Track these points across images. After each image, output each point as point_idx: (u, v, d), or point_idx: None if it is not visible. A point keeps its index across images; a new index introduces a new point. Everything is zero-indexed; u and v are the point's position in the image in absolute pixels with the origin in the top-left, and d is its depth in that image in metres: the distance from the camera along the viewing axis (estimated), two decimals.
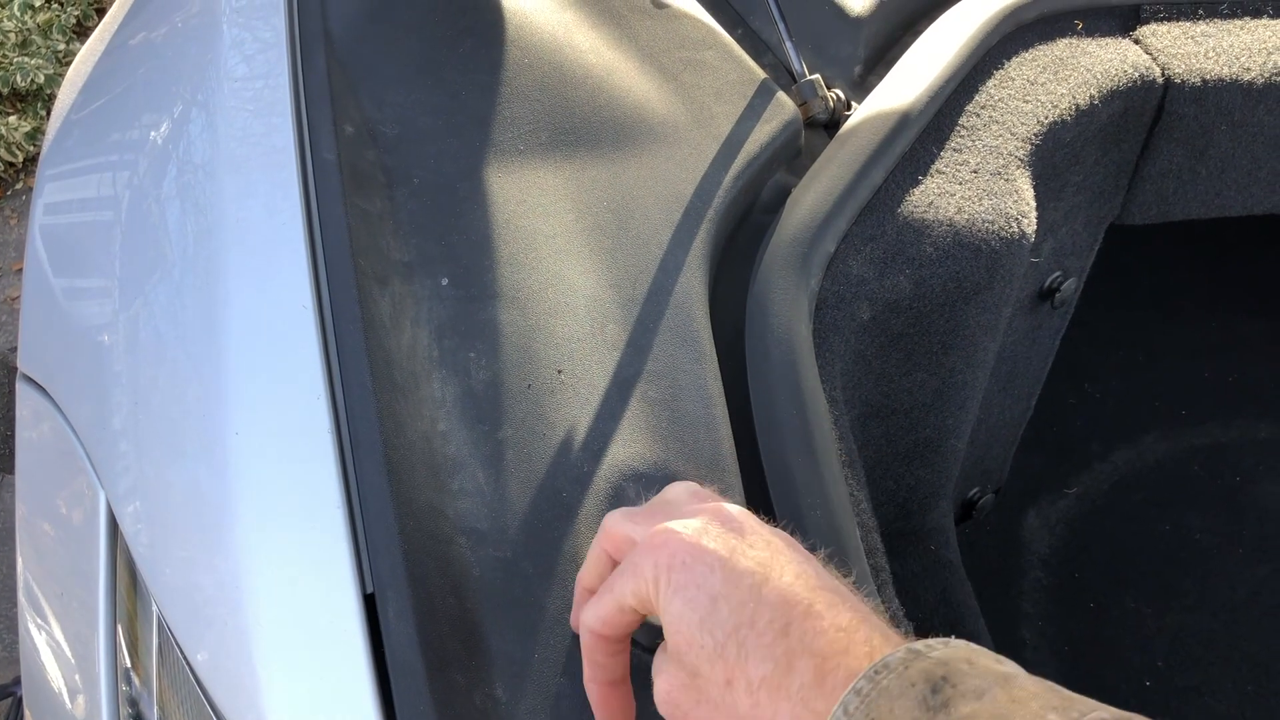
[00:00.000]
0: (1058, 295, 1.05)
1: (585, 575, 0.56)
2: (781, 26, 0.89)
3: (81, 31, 3.15)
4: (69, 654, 0.70)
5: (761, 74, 0.88)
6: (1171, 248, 1.49)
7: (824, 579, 0.46)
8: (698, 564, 0.47)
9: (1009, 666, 0.41)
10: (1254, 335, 1.50)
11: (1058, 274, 1.05)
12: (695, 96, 0.86)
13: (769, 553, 0.47)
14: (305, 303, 0.67)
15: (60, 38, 3.00)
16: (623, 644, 0.54)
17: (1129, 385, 1.47)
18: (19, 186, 2.88)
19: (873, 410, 0.89)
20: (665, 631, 0.48)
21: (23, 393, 0.79)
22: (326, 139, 0.76)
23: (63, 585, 0.71)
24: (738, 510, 0.51)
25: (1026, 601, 1.26)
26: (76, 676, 0.68)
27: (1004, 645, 1.13)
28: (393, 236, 0.75)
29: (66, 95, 0.97)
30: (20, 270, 2.67)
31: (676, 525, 0.49)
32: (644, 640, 0.58)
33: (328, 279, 0.69)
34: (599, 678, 0.54)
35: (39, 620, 0.74)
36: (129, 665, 0.67)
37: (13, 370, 0.91)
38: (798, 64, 0.89)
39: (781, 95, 0.87)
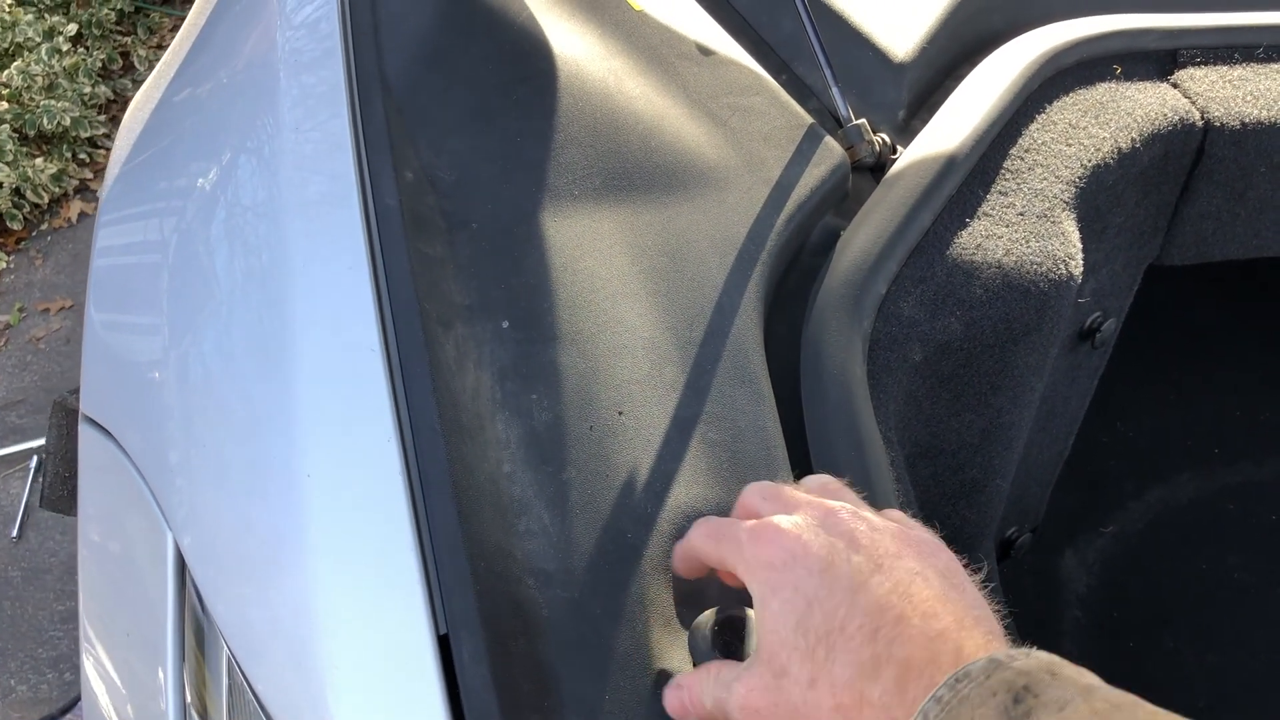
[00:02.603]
0: (1098, 336, 1.06)
1: (707, 522, 0.59)
2: (828, 72, 0.90)
3: (106, 75, 3.20)
4: (135, 694, 0.71)
5: (808, 119, 0.90)
6: (1201, 286, 1.49)
7: (927, 587, 0.47)
8: (798, 566, 0.48)
9: (1091, 679, 0.41)
10: None
11: (1098, 314, 1.05)
12: (744, 141, 0.88)
13: (871, 559, 0.48)
14: (373, 346, 0.68)
15: (86, 81, 3.05)
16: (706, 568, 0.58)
17: (1161, 424, 1.48)
18: (44, 228, 2.91)
19: (921, 451, 0.89)
20: (759, 628, 0.49)
21: (86, 435, 0.80)
22: (388, 185, 0.77)
23: (128, 627, 0.72)
24: (848, 510, 0.51)
25: (1067, 641, 1.26)
26: (143, 716, 0.68)
27: None
28: (454, 280, 0.76)
29: (121, 145, 0.99)
30: (45, 310, 2.70)
31: (784, 522, 0.50)
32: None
33: (394, 322, 0.70)
34: (682, 557, 0.61)
35: (103, 662, 0.75)
36: (195, 705, 0.67)
37: (72, 413, 0.92)
38: (844, 109, 0.90)
39: (829, 139, 0.88)
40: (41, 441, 2.25)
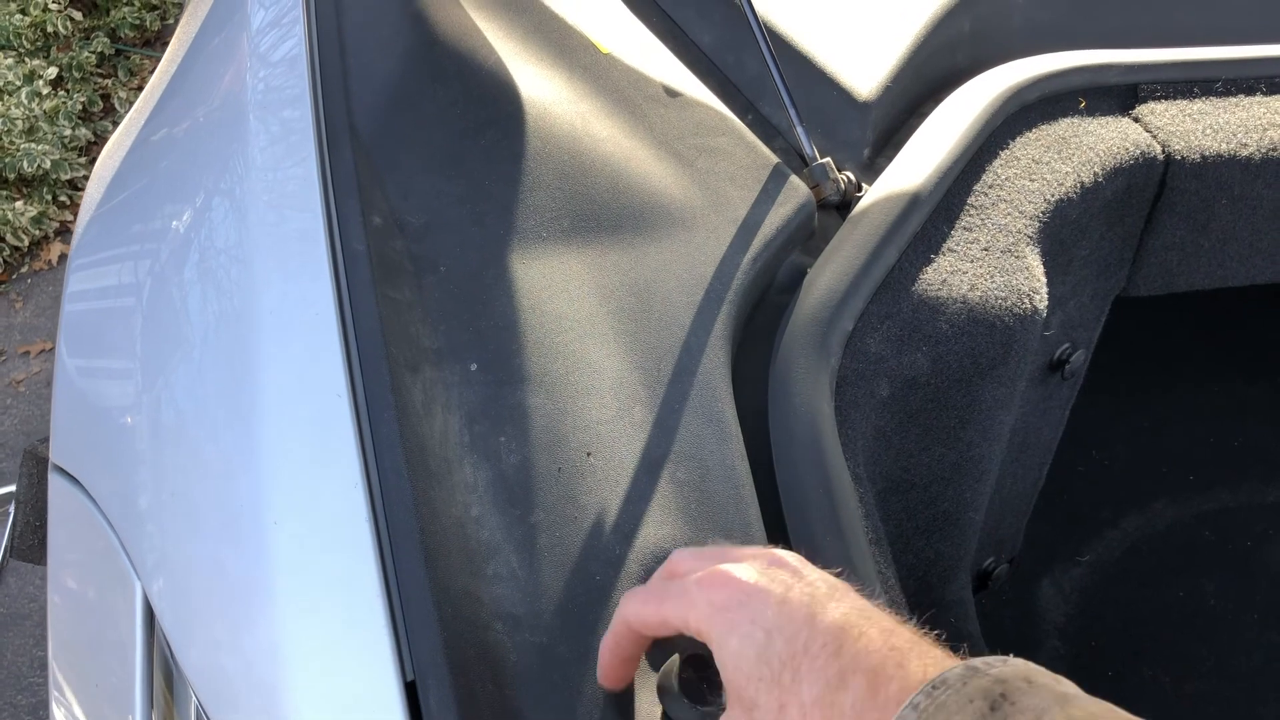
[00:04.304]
0: (1067, 367, 1.07)
1: (638, 591, 0.57)
2: (792, 112, 0.91)
3: (87, 117, 3.20)
4: None
5: (774, 158, 0.91)
6: (1173, 316, 1.51)
7: (878, 614, 0.47)
8: (753, 601, 0.48)
9: (1067, 686, 0.42)
10: (1257, 400, 1.52)
11: (1067, 345, 1.06)
12: (710, 182, 0.88)
13: (825, 588, 0.48)
14: (340, 391, 0.68)
15: (66, 124, 3.05)
16: (646, 642, 0.57)
17: (1135, 452, 1.49)
18: (24, 270, 2.90)
19: (893, 485, 0.90)
20: (721, 668, 0.50)
21: (55, 484, 0.80)
22: (355, 229, 0.78)
23: (98, 677, 0.71)
24: (791, 555, 0.52)
25: None
26: None
27: None
28: (422, 324, 0.76)
29: (94, 189, 0.99)
30: (26, 353, 2.69)
31: (732, 567, 0.50)
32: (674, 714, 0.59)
33: (360, 367, 0.70)
34: (613, 648, 0.57)
35: (73, 711, 0.74)
36: None
37: (42, 461, 0.92)
38: (809, 148, 0.91)
39: (794, 179, 0.89)
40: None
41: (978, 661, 0.43)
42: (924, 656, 0.44)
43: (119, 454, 0.77)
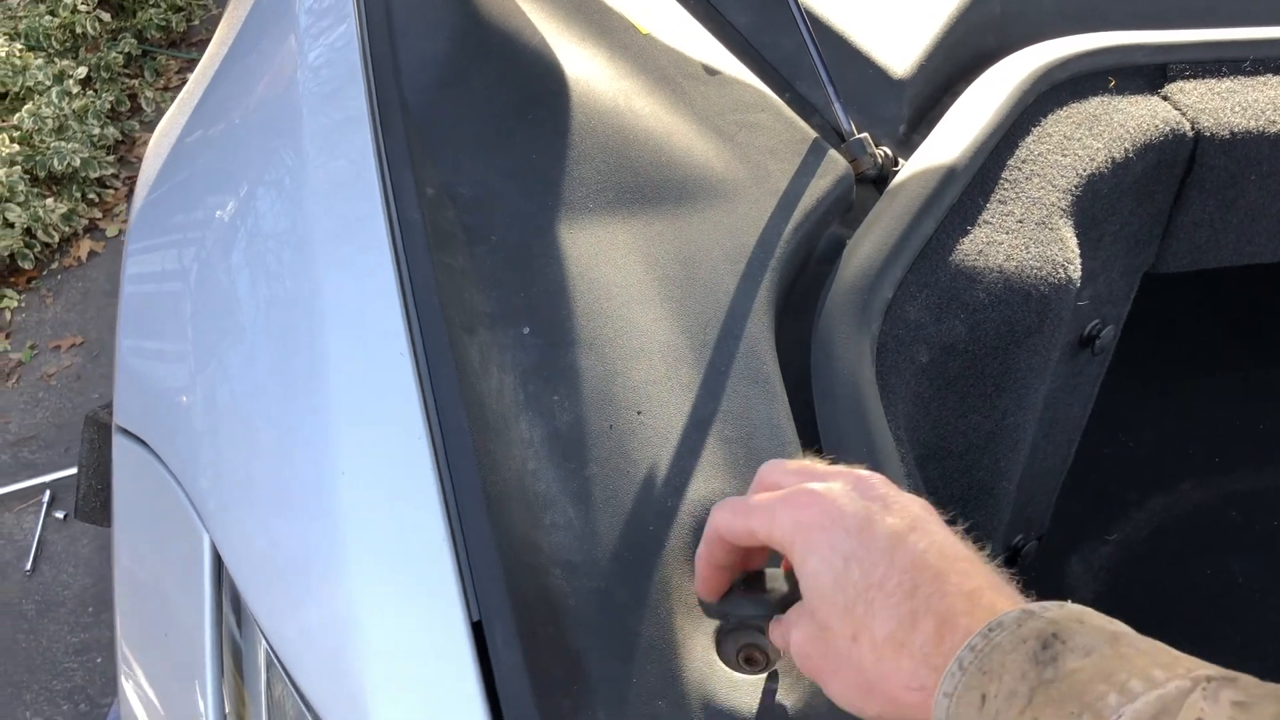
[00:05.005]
0: (1097, 343, 1.08)
1: (728, 501, 0.58)
2: (830, 88, 0.94)
3: (115, 116, 3.24)
4: (174, 691, 0.73)
5: (813, 133, 0.93)
6: (1200, 299, 1.53)
7: (958, 549, 0.48)
8: (835, 526, 0.49)
9: (1119, 627, 0.43)
10: None
11: (1096, 321, 1.08)
12: (751, 155, 0.91)
13: (905, 520, 0.49)
14: (402, 349, 0.70)
15: (95, 123, 3.09)
16: (737, 551, 0.57)
17: (1162, 434, 1.50)
18: (54, 267, 2.94)
19: (929, 452, 0.92)
20: (801, 585, 0.51)
21: (120, 445, 0.82)
22: (410, 200, 0.81)
23: (168, 626, 0.74)
24: (879, 479, 0.53)
25: None
26: (186, 710, 0.70)
27: None
28: (475, 290, 0.79)
29: (150, 167, 1.02)
30: (56, 347, 2.73)
31: (818, 486, 0.52)
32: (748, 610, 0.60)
33: (420, 327, 0.73)
34: (705, 557, 0.58)
35: (138, 665, 0.77)
36: (233, 698, 0.69)
37: (104, 426, 0.95)
38: (846, 124, 0.94)
39: (833, 153, 0.91)
40: (53, 476, 2.28)
41: (1035, 605, 0.44)
42: (994, 601, 0.45)
43: (185, 414, 0.79)
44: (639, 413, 0.73)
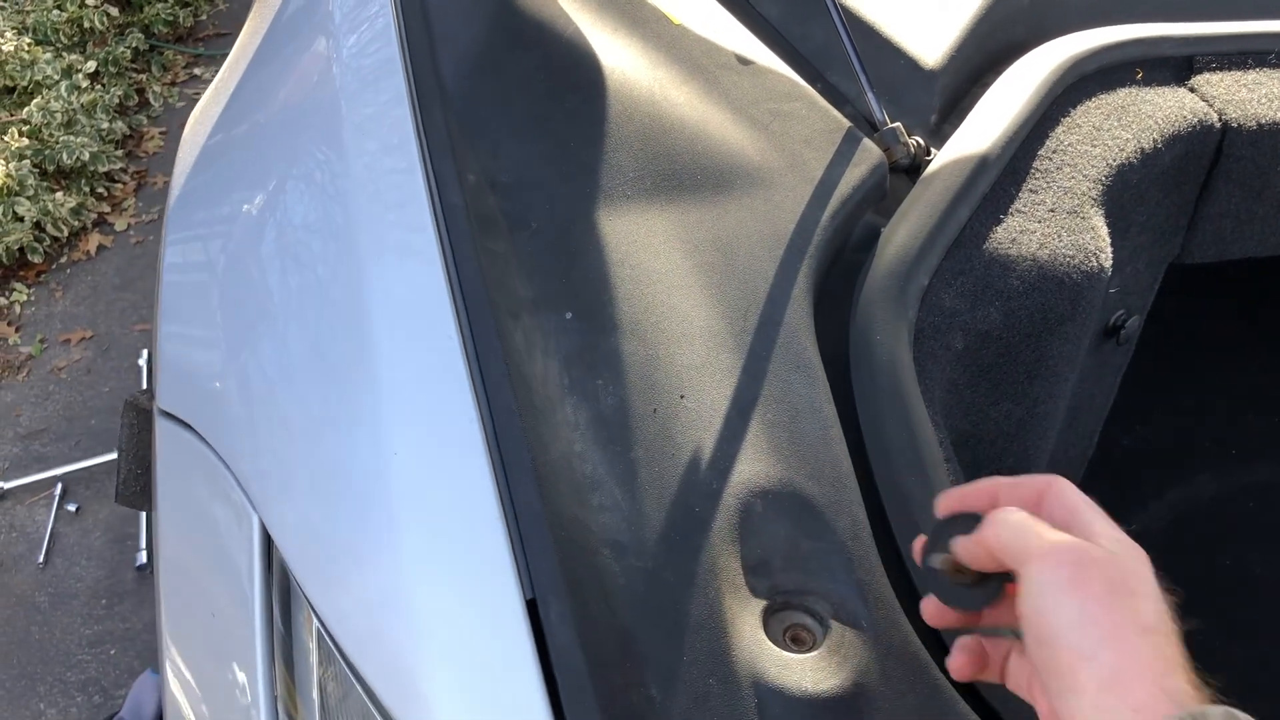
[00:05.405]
0: (1122, 332, 1.09)
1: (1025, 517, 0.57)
2: (863, 78, 0.94)
3: (123, 110, 3.24)
4: (216, 673, 0.73)
5: (846, 122, 0.94)
6: (1218, 290, 1.53)
7: (1165, 654, 0.50)
8: (1091, 584, 0.51)
9: None
10: None
11: (1121, 312, 1.09)
12: (785, 144, 0.91)
13: (1128, 609, 0.51)
14: (450, 333, 0.71)
15: (104, 117, 3.09)
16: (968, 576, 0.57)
17: (1179, 427, 1.51)
18: (63, 261, 2.94)
19: (962, 438, 0.93)
20: (1044, 620, 0.52)
21: (164, 429, 0.83)
22: (453, 186, 0.81)
23: (212, 607, 0.74)
24: (1138, 562, 0.53)
25: None
26: (234, 690, 0.71)
27: None
28: (517, 275, 0.79)
29: (185, 154, 1.02)
30: (66, 341, 2.73)
31: (1086, 545, 0.53)
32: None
33: (467, 312, 0.73)
34: (972, 542, 0.57)
35: (181, 647, 0.77)
36: (282, 680, 0.70)
37: (144, 411, 0.95)
38: (879, 113, 0.94)
39: (867, 141, 0.92)
40: (65, 469, 2.28)
41: (1238, 712, 0.46)
42: (1186, 688, 0.48)
43: (229, 398, 0.80)
44: (681, 397, 0.74)
